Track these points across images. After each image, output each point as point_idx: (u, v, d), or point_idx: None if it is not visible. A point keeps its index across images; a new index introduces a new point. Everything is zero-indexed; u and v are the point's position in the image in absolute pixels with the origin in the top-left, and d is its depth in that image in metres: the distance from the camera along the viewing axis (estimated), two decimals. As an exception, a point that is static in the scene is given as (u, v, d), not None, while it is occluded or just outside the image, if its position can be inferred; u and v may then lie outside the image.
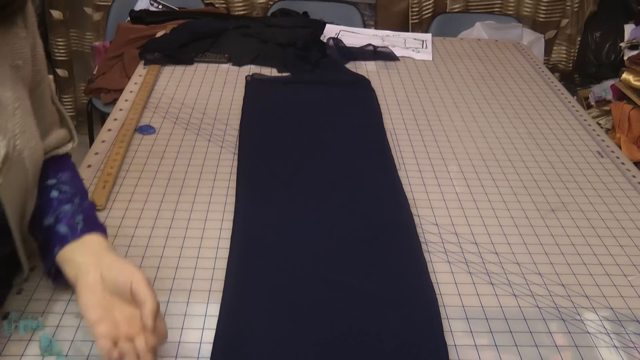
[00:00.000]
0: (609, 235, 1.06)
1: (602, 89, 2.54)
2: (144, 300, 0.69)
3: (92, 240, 0.77)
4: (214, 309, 0.84)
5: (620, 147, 1.95)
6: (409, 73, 1.70)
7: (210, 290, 0.88)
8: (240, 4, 2.69)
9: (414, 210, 1.08)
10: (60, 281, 0.78)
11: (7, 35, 0.73)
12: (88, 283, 0.72)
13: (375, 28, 2.61)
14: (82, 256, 0.75)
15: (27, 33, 0.77)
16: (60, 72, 2.82)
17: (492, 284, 0.93)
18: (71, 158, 0.93)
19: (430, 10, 2.71)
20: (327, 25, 1.98)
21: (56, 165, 0.87)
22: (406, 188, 1.15)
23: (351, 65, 1.72)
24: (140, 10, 2.46)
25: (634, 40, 2.43)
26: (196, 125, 1.35)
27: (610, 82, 2.53)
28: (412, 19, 2.68)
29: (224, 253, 0.95)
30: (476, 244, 1.01)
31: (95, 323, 0.69)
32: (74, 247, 0.76)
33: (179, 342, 0.79)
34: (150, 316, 0.68)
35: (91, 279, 0.72)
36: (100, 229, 0.80)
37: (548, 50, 2.82)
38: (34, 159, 0.77)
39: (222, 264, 0.93)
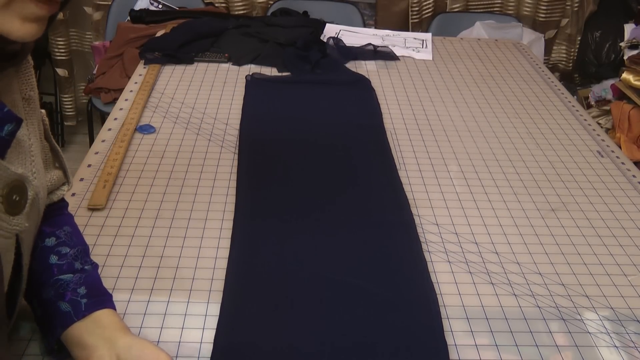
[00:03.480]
0: (609, 235, 1.06)
1: (602, 89, 2.54)
2: None
3: (101, 318, 0.71)
4: (214, 309, 0.84)
5: (620, 147, 1.95)
6: (409, 73, 1.70)
7: (210, 290, 0.88)
8: (240, 4, 2.69)
9: (414, 210, 1.08)
10: (64, 354, 0.73)
11: (18, 68, 0.66)
12: None
13: (375, 27, 2.61)
14: (92, 337, 0.69)
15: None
16: (60, 71, 2.82)
17: (492, 283, 0.93)
18: (68, 206, 0.85)
19: (430, 10, 2.71)
20: (327, 25, 1.98)
21: (53, 218, 0.79)
22: (406, 188, 1.15)
23: (351, 65, 1.72)
24: (140, 10, 2.46)
25: (634, 40, 2.43)
26: (196, 125, 1.35)
27: (610, 81, 2.53)
28: (412, 19, 2.68)
29: (224, 253, 0.95)
30: (476, 243, 1.01)
31: None
32: (82, 327, 0.70)
33: (179, 342, 0.79)
34: None
35: None
36: (107, 301, 0.74)
37: (548, 50, 2.82)
38: (44, 200, 0.70)
39: (222, 264, 0.93)
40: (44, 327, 0.73)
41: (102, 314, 0.72)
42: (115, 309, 0.74)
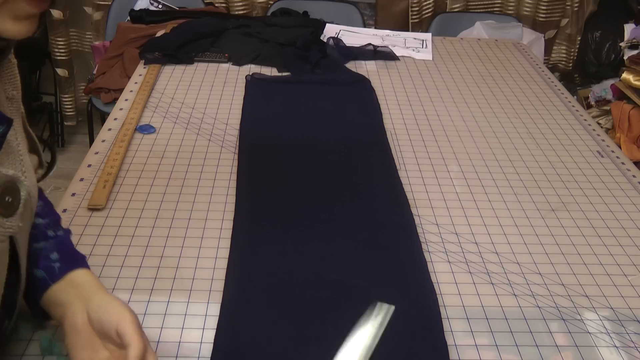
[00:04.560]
0: (609, 235, 1.06)
1: (602, 89, 2.54)
2: (128, 344, 0.66)
3: (75, 279, 0.73)
4: (214, 309, 0.84)
5: (620, 147, 1.95)
6: (409, 73, 1.70)
7: (210, 290, 0.88)
8: (240, 4, 2.69)
9: (414, 210, 1.08)
10: (49, 318, 0.75)
11: (1, 67, 0.66)
12: (75, 324, 0.69)
13: (375, 28, 2.61)
14: (67, 296, 0.71)
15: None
16: (60, 71, 2.82)
17: (492, 283, 0.93)
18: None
19: (430, 10, 2.71)
20: (327, 25, 1.98)
21: None
22: (406, 188, 1.15)
23: (351, 65, 1.72)
24: (140, 10, 2.46)
25: (634, 40, 2.43)
26: (196, 125, 1.35)
27: (610, 81, 2.53)
28: (412, 19, 2.68)
29: (224, 253, 0.95)
30: (476, 243, 1.01)
31: None
32: (57, 289, 0.72)
33: (179, 342, 0.79)
34: None
35: (79, 319, 0.69)
36: (80, 262, 0.75)
37: (548, 50, 2.82)
38: (36, 198, 0.71)
39: (222, 264, 0.93)
40: (25, 297, 0.74)
41: (76, 275, 0.73)
42: (89, 268, 0.75)
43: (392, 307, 0.70)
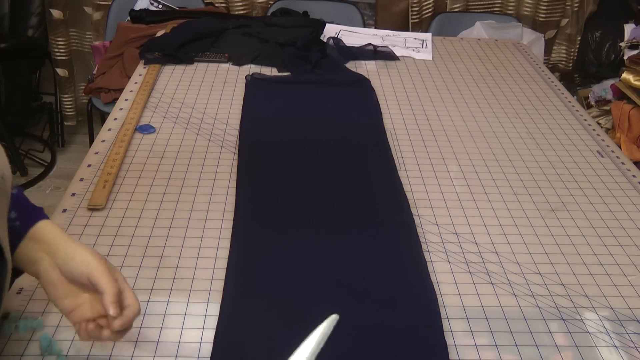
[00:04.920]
0: (609, 235, 1.06)
1: (602, 89, 2.54)
2: (102, 290, 0.68)
3: (37, 235, 0.74)
4: (214, 309, 0.84)
5: (620, 147, 1.95)
6: (409, 73, 1.70)
7: (210, 290, 0.88)
8: (240, 4, 2.69)
9: (414, 210, 1.08)
10: (20, 273, 0.78)
11: None
12: (51, 279, 0.72)
13: (375, 28, 2.61)
14: (34, 253, 0.73)
15: None
16: (60, 71, 2.82)
17: (492, 283, 0.93)
18: None
19: (430, 10, 2.71)
20: (327, 25, 1.98)
21: None
22: (406, 188, 1.15)
23: (351, 65, 1.72)
24: (140, 10, 2.46)
25: (634, 40, 2.43)
26: (196, 125, 1.35)
27: (610, 81, 2.53)
28: (412, 19, 2.67)
29: (224, 253, 0.95)
30: (476, 243, 1.01)
31: (67, 313, 0.71)
32: (24, 247, 0.74)
33: (179, 342, 0.79)
34: (111, 306, 0.68)
35: (52, 274, 0.72)
36: (38, 214, 0.76)
37: (548, 50, 2.82)
38: (10, 179, 0.71)
39: (222, 264, 0.93)
40: None
41: (37, 229, 0.74)
42: (48, 218, 0.76)
43: (336, 316, 0.71)
